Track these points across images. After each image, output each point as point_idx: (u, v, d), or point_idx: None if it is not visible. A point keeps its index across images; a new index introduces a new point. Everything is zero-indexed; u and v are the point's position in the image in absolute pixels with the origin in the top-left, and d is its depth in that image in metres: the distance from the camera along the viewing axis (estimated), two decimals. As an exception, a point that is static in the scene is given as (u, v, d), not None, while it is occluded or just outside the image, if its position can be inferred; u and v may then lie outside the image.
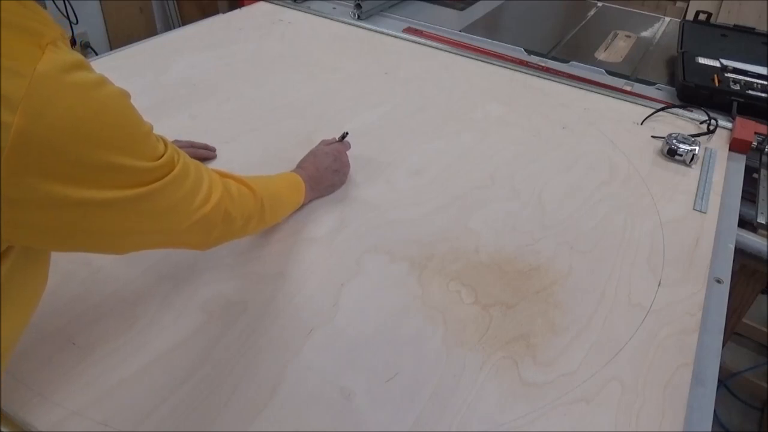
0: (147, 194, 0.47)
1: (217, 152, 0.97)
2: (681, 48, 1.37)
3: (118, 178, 0.44)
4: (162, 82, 1.16)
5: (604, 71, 1.36)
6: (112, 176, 0.44)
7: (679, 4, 2.49)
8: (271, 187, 0.73)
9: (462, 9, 1.71)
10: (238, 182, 0.63)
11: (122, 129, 0.44)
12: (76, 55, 0.41)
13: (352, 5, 1.55)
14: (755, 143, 1.08)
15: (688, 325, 0.72)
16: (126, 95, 0.47)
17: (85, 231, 0.45)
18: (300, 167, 0.86)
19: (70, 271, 0.72)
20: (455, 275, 0.76)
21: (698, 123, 1.16)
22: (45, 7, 2.35)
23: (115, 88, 0.45)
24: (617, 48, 1.51)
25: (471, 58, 1.39)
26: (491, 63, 1.37)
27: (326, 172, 0.87)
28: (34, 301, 0.50)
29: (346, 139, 0.94)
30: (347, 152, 0.93)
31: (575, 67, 1.38)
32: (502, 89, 1.25)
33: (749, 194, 1.02)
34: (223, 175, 0.61)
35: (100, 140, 0.42)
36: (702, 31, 1.49)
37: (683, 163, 1.03)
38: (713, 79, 1.23)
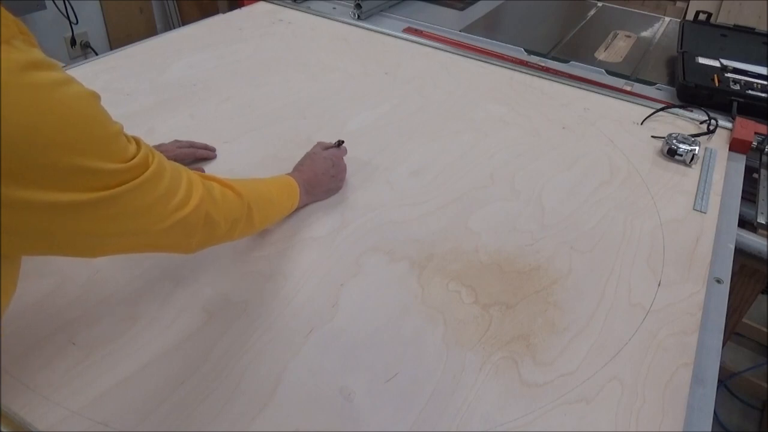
0: (116, 196, 0.45)
1: (217, 152, 0.97)
2: (681, 48, 1.37)
3: (84, 180, 0.43)
4: (162, 82, 1.16)
5: (604, 71, 1.36)
6: (77, 179, 0.42)
7: (679, 4, 2.49)
8: (261, 191, 0.72)
9: (462, 9, 1.71)
10: (222, 185, 0.62)
11: (86, 130, 0.42)
12: (36, 54, 0.40)
13: (352, 5, 1.55)
14: (755, 143, 1.08)
15: (688, 325, 0.72)
16: (93, 96, 0.45)
17: (52, 234, 0.44)
18: (297, 170, 0.85)
19: (70, 272, 0.72)
20: (455, 275, 0.76)
21: (698, 123, 1.16)
22: (45, 8, 2.33)
23: (80, 88, 0.43)
24: (617, 48, 1.51)
25: (471, 58, 1.39)
26: (491, 63, 1.37)
27: (323, 177, 0.86)
28: (3, 303, 0.49)
29: (342, 145, 0.93)
30: (344, 158, 0.93)
31: (575, 67, 1.38)
32: (502, 89, 1.25)
33: (749, 194, 1.02)
34: (207, 178, 0.60)
35: (62, 142, 0.40)
36: (702, 31, 1.49)
37: (683, 163, 1.03)
38: (713, 79, 1.23)
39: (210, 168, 0.93)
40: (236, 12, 1.54)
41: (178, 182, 0.53)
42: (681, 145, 1.03)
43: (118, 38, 2.57)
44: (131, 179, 0.46)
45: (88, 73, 1.18)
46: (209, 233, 0.59)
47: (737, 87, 1.21)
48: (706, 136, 1.11)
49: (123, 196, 0.46)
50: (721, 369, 0.72)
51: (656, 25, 1.69)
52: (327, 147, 0.91)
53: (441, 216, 0.87)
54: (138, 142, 0.49)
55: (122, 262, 0.74)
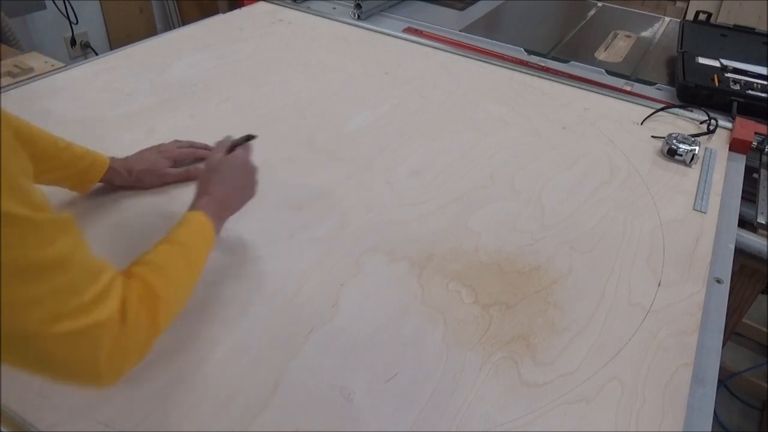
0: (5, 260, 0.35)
1: (217, 152, 0.96)
2: (681, 48, 1.37)
3: None
4: (162, 82, 1.16)
5: (604, 71, 1.36)
6: None
7: (679, 4, 2.49)
8: (182, 279, 0.59)
9: (462, 9, 1.71)
10: (140, 303, 0.49)
11: None
12: None
13: (352, 5, 1.55)
14: (755, 143, 1.08)
15: (688, 325, 0.72)
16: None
17: None
18: (206, 193, 0.69)
19: (70, 271, 0.72)
20: (455, 275, 0.76)
21: (698, 123, 1.16)
22: (45, 8, 2.33)
23: None
24: (617, 48, 1.51)
25: (471, 58, 1.39)
26: (491, 63, 1.37)
27: (235, 193, 0.73)
28: None
29: (249, 142, 0.79)
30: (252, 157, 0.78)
31: (575, 67, 1.38)
32: (502, 89, 1.25)
33: (749, 194, 1.02)
34: (130, 280, 0.50)
35: None
36: (702, 31, 1.49)
37: (683, 163, 1.03)
38: (713, 79, 1.23)
39: (210, 168, 0.93)
40: (236, 12, 1.54)
41: (90, 279, 0.43)
42: (681, 145, 1.03)
43: (118, 38, 2.57)
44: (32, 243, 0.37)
45: (88, 73, 1.18)
46: (121, 357, 0.47)
47: (737, 87, 1.21)
48: (706, 136, 1.11)
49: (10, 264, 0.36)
50: (721, 369, 0.72)
51: (656, 25, 1.69)
52: (229, 148, 0.77)
53: (441, 216, 0.87)
54: (62, 219, 0.40)
55: (122, 262, 0.74)
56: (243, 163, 0.75)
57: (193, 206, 0.68)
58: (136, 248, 0.77)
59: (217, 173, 0.72)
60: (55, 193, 0.82)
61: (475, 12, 1.69)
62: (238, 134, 1.03)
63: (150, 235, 0.79)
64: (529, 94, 1.24)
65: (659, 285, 0.77)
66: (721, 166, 1.04)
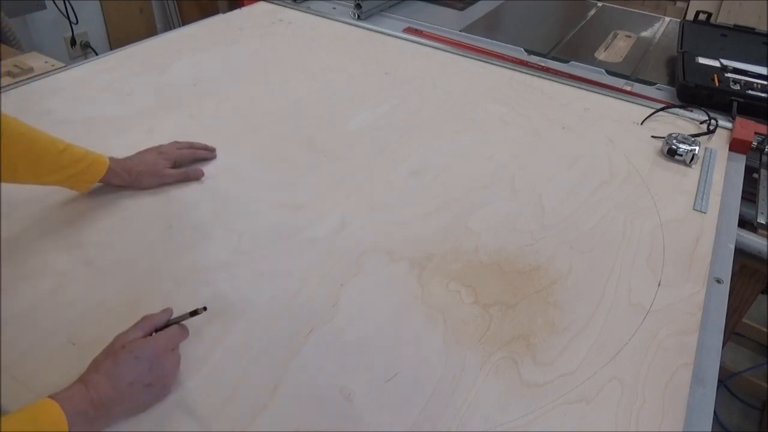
0: None
1: (217, 152, 0.96)
2: (681, 48, 1.37)
3: None
4: (162, 82, 1.16)
5: (604, 71, 1.36)
6: None
7: (679, 4, 2.49)
8: None
9: (462, 9, 1.71)
10: None
11: None
12: None
13: (352, 5, 1.56)
14: (755, 143, 1.08)
15: (688, 325, 0.72)
16: None
17: None
18: (84, 382, 0.54)
19: (70, 271, 0.72)
20: (455, 275, 0.76)
21: (698, 123, 1.16)
22: (45, 8, 2.33)
23: None
24: (617, 48, 1.51)
25: (471, 58, 1.39)
26: (491, 63, 1.37)
27: (130, 389, 0.55)
28: None
29: (187, 321, 0.62)
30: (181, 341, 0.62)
31: (575, 67, 1.38)
32: (502, 89, 1.25)
33: (749, 194, 1.02)
34: None
35: None
36: (702, 31, 1.49)
37: (683, 163, 1.03)
38: (713, 79, 1.23)
39: (210, 168, 0.93)
40: (236, 12, 1.54)
41: None
42: (681, 145, 1.03)
43: (118, 38, 2.57)
44: None
45: (88, 73, 1.18)
46: None
47: (737, 87, 1.21)
48: (706, 136, 1.11)
49: None
50: (721, 369, 0.73)
51: (656, 25, 1.69)
52: (158, 326, 0.61)
53: (441, 216, 0.87)
54: None
55: (123, 262, 0.74)
56: (158, 355, 0.58)
57: (60, 391, 0.52)
58: (135, 248, 0.77)
59: (113, 360, 0.55)
60: (55, 193, 0.82)
61: (475, 12, 1.69)
62: (237, 134, 1.03)
63: (149, 235, 0.79)
64: (529, 94, 1.24)
65: (659, 285, 0.77)
66: (721, 166, 1.04)
